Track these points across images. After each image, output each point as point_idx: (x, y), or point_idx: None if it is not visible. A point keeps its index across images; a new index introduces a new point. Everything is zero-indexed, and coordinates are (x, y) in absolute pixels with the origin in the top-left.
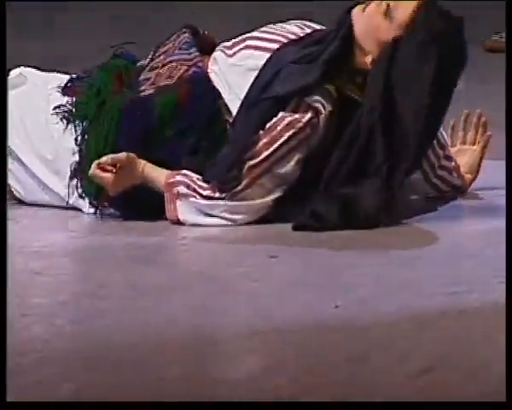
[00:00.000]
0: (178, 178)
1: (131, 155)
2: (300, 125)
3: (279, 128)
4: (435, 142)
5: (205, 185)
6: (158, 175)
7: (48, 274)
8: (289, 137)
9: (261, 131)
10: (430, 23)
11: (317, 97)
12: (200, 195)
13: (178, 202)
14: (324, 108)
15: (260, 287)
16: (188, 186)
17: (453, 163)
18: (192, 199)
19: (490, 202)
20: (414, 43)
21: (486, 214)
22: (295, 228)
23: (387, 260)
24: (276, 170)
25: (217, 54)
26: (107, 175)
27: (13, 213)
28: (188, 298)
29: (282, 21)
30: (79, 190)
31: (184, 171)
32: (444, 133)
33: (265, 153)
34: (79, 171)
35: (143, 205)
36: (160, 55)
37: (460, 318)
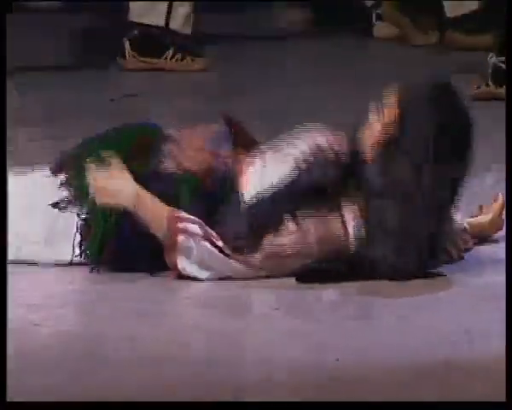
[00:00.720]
0: (187, 214)
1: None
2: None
3: (305, 228)
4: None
5: (216, 236)
6: (157, 206)
7: (46, 325)
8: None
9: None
10: (415, 100)
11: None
12: (212, 242)
13: (181, 238)
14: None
15: (262, 339)
16: (200, 225)
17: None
18: (203, 242)
19: (495, 254)
20: (406, 124)
21: (492, 266)
22: (299, 279)
23: (389, 311)
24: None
25: (249, 160)
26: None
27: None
28: (189, 352)
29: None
30: (82, 248)
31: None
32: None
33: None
34: (84, 230)
35: (139, 264)
36: (188, 138)
37: (463, 368)
